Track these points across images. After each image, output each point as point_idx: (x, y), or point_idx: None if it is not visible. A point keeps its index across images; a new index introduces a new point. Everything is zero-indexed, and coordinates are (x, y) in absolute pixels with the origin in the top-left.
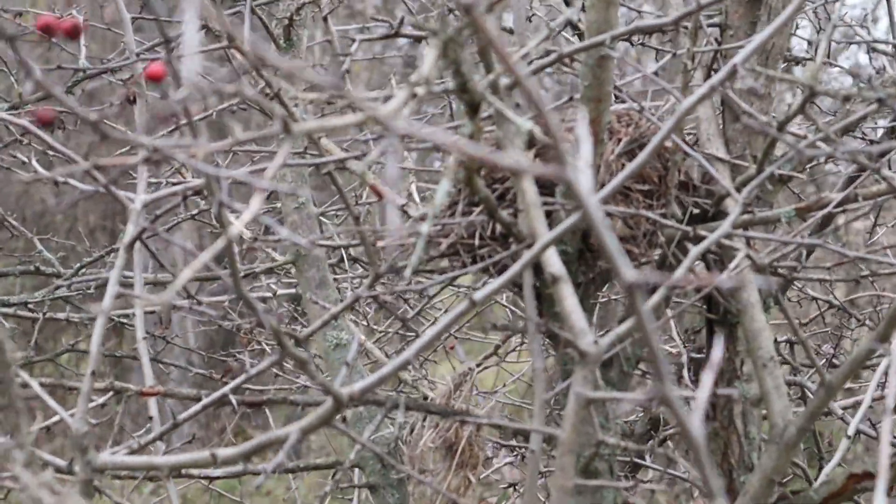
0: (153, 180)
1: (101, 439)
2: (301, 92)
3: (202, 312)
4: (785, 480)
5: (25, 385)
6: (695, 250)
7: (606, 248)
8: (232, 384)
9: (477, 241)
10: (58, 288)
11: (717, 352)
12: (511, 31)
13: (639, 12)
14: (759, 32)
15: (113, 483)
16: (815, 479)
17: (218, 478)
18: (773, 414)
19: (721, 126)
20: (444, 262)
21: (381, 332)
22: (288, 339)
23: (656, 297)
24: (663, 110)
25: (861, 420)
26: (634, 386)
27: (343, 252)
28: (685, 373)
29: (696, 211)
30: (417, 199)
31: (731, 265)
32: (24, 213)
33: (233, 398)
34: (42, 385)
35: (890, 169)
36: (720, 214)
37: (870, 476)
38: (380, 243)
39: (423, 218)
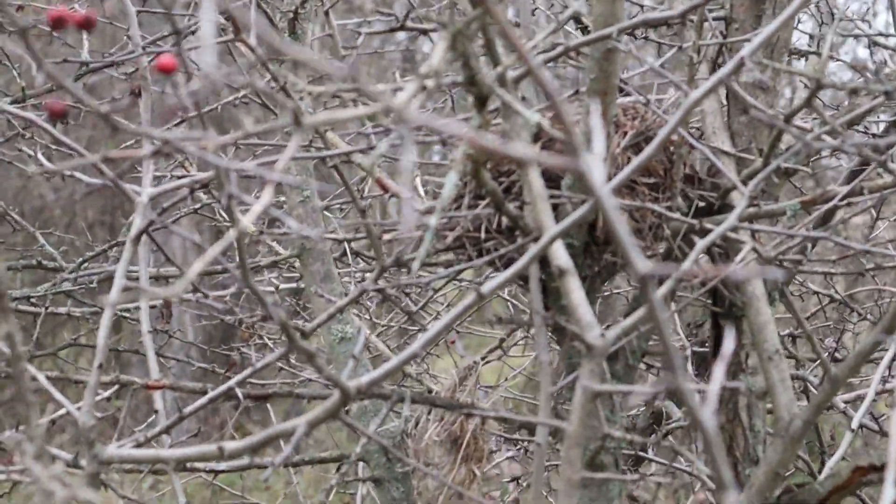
0: (157, 174)
1: (100, 434)
2: (308, 85)
3: (204, 307)
4: (786, 474)
5: (33, 378)
6: (701, 243)
7: (619, 239)
8: (238, 377)
9: (483, 235)
10: (63, 281)
11: (729, 344)
12: (517, 25)
13: (641, 7)
14: (764, 26)
15: (112, 477)
16: (818, 473)
17: (223, 471)
18: (779, 407)
19: (726, 119)
20: (450, 256)
21: (383, 326)
22: (296, 333)
23: (663, 290)
24: (669, 104)
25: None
26: (638, 379)
27: (346, 246)
28: (688, 366)
29: (701, 204)
30: (422, 193)
31: (738, 258)
32: (23, 207)
33: (239, 391)
34: (48, 379)
35: (893, 162)
36: (726, 207)
37: (875, 469)
38: (386, 237)
39: (429, 211)
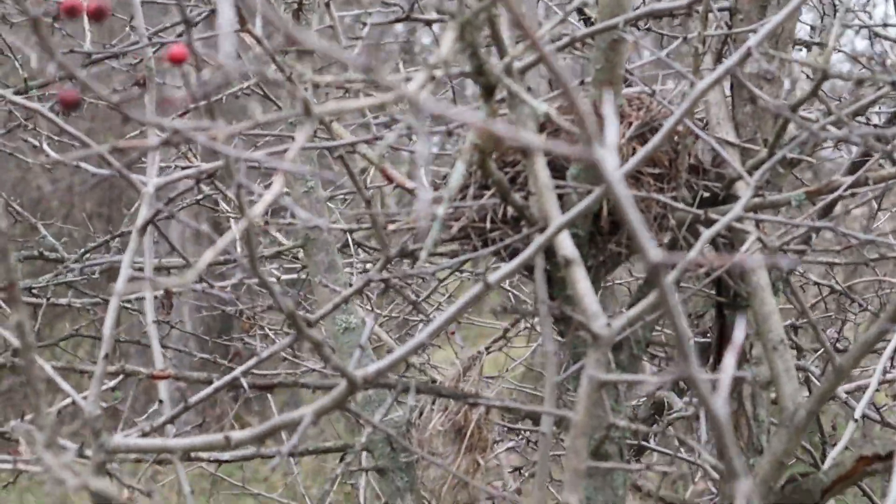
0: (161, 165)
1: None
2: (314, 75)
3: (203, 298)
4: (789, 463)
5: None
6: (707, 232)
7: (632, 228)
8: (243, 367)
9: (488, 225)
10: (70, 271)
11: (740, 333)
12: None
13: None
14: (769, 16)
15: (112, 467)
16: (820, 463)
17: (228, 461)
18: (784, 397)
19: (730, 110)
20: (455, 246)
21: (385, 316)
22: (304, 322)
23: (670, 279)
24: (674, 94)
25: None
26: (641, 369)
27: (349, 236)
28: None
29: (706, 194)
30: (426, 183)
31: (743, 248)
32: (21, 199)
33: (244, 381)
34: (54, 368)
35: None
36: (730, 198)
37: (879, 458)
38: (391, 227)
39: (436, 201)
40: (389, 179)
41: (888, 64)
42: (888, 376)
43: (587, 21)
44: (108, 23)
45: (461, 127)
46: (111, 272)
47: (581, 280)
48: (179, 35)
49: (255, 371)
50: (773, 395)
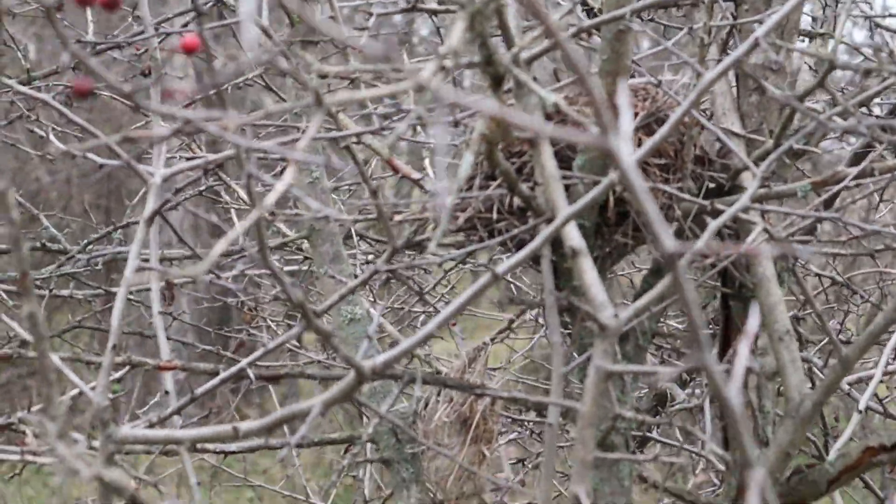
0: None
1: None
2: (319, 65)
3: (203, 289)
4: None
5: None
6: (715, 222)
7: (647, 217)
8: (250, 358)
9: (495, 215)
10: (77, 262)
11: (754, 321)
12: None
13: None
14: (774, 7)
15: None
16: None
17: (234, 452)
18: (789, 388)
19: (736, 101)
20: (461, 237)
21: (387, 307)
22: (313, 313)
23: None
24: (679, 85)
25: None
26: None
27: (351, 228)
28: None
29: (711, 185)
30: (432, 174)
31: (749, 239)
32: (20, 190)
33: (250, 372)
34: (61, 360)
35: None
36: (736, 189)
37: (885, 449)
38: (397, 217)
39: (437, 192)
40: (395, 170)
41: None
42: (890, 368)
43: (590, 12)
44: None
45: (469, 117)
46: (112, 263)
47: (588, 270)
48: (185, 25)
49: (258, 363)
50: (779, 387)
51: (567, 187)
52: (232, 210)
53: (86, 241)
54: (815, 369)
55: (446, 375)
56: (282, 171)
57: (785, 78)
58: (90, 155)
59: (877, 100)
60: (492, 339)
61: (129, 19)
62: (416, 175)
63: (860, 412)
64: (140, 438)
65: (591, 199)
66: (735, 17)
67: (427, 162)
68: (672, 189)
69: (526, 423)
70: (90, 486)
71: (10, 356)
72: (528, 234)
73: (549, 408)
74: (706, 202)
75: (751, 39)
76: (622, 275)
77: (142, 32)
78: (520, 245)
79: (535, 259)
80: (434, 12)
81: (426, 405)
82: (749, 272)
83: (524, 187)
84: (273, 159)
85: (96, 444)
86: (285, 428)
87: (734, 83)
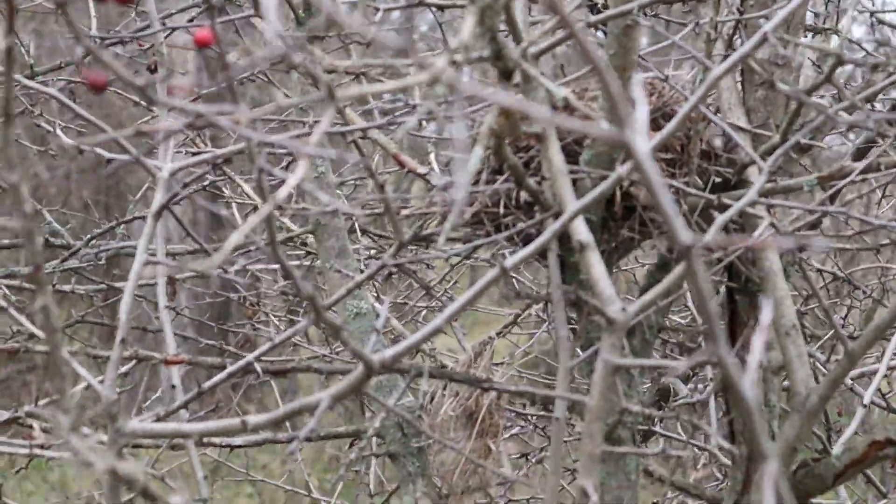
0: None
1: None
2: (329, 59)
3: (203, 284)
4: None
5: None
6: (723, 216)
7: (663, 209)
8: (256, 352)
9: (501, 210)
10: (83, 256)
11: (767, 315)
12: (535, 0)
13: None
14: (780, 2)
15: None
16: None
17: (239, 446)
18: (796, 382)
19: (741, 95)
20: (464, 231)
21: (392, 301)
22: (323, 307)
23: (683, 266)
24: (686, 79)
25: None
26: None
27: (355, 222)
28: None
29: (717, 180)
30: (437, 168)
31: (756, 233)
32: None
33: (257, 366)
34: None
35: None
36: (742, 183)
37: (891, 443)
38: (404, 212)
39: (448, 186)
40: (402, 165)
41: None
42: (893, 363)
43: (593, 7)
44: (105, 8)
45: (480, 111)
46: (114, 259)
47: (596, 265)
48: (191, 20)
49: (263, 357)
50: (785, 382)
51: (574, 182)
52: (233, 205)
53: (89, 235)
54: (818, 364)
55: (452, 370)
56: (287, 166)
57: (791, 73)
58: (98, 149)
59: (880, 95)
60: (497, 334)
61: (133, 14)
62: (422, 169)
63: (865, 406)
64: (148, 432)
65: (600, 194)
66: (741, 12)
67: (432, 157)
68: (678, 184)
69: (529, 418)
70: (90, 482)
71: (16, 350)
72: (535, 228)
73: (556, 402)
74: (713, 197)
75: (759, 34)
76: (625, 270)
77: (145, 28)
78: (526, 240)
79: (541, 254)
80: (441, 7)
81: (432, 399)
82: (755, 266)
83: (531, 182)
84: (280, 154)
85: (100, 438)
86: (287, 424)
87: (740, 78)
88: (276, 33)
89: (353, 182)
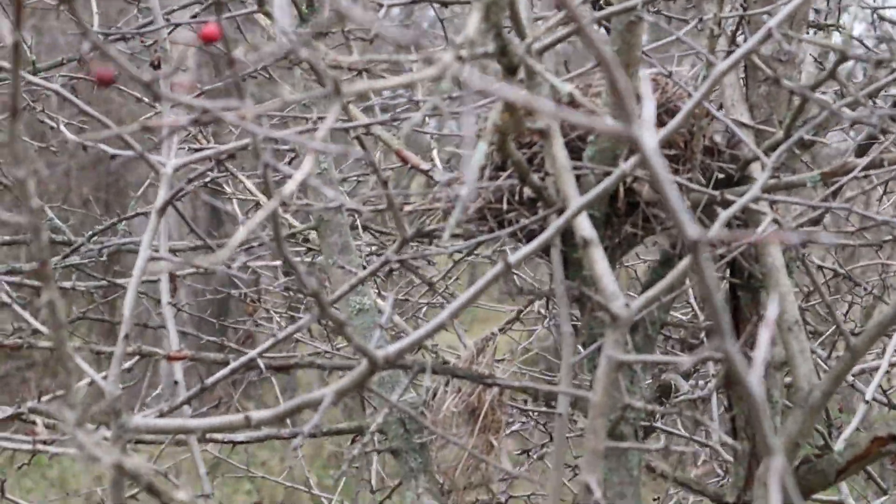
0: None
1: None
2: (333, 55)
3: (202, 280)
4: None
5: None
6: (726, 212)
7: (671, 205)
8: (260, 348)
9: (505, 206)
10: (87, 251)
11: (773, 310)
12: None
13: None
14: None
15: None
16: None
17: (242, 442)
18: (799, 377)
19: (745, 92)
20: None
21: (398, 298)
22: (328, 302)
23: (687, 261)
24: (689, 75)
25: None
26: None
27: (357, 219)
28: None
29: (720, 176)
30: (440, 165)
31: (759, 229)
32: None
33: (260, 362)
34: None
35: None
36: (745, 179)
37: (894, 439)
38: (407, 208)
39: (451, 182)
40: (405, 161)
41: None
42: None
43: (595, 4)
44: (105, 5)
45: (485, 106)
46: (114, 255)
47: (599, 260)
48: (194, 16)
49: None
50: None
51: (577, 178)
52: (234, 201)
53: (91, 232)
54: (819, 361)
55: (455, 366)
56: (290, 163)
57: (794, 69)
58: (101, 145)
59: (882, 91)
60: (500, 330)
61: (135, 11)
62: (425, 166)
63: (867, 402)
64: (153, 428)
65: (604, 189)
66: (745, 8)
67: (435, 153)
68: (682, 180)
69: (530, 414)
70: (88, 479)
71: (19, 346)
72: (538, 225)
73: (559, 397)
74: (716, 193)
75: (764, 30)
76: (626, 266)
77: (148, 24)
78: (529, 236)
79: (544, 250)
80: (444, 3)
81: (434, 396)
82: (758, 263)
83: (535, 178)
84: (282, 150)
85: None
86: (287, 421)
87: (742, 74)
88: (284, 30)
89: (355, 178)
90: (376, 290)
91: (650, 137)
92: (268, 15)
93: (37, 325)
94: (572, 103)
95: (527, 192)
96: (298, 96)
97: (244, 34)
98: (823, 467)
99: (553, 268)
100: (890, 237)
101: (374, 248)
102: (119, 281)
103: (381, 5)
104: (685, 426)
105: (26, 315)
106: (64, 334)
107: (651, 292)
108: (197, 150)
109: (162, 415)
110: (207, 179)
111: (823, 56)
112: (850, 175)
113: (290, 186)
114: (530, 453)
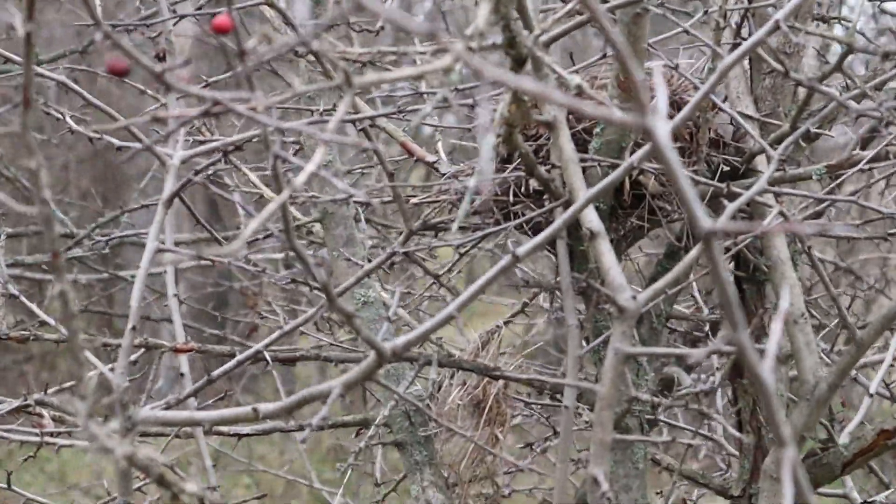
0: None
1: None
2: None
3: (202, 273)
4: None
5: (60, 342)
6: (733, 204)
7: (684, 196)
8: (266, 340)
9: (511, 199)
10: (94, 244)
11: (785, 302)
12: None
13: None
14: None
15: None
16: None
17: (248, 434)
18: (804, 370)
19: (749, 84)
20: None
21: (400, 291)
22: (335, 294)
23: (694, 254)
24: (695, 68)
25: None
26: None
27: (359, 211)
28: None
29: (725, 168)
30: (444, 157)
31: (766, 221)
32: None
33: (267, 354)
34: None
35: None
36: (750, 172)
37: None
38: (413, 200)
39: (457, 175)
40: (410, 153)
41: None
42: None
43: None
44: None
45: (489, 99)
46: (115, 248)
47: (606, 253)
48: (199, 8)
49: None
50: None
51: (583, 170)
52: (235, 194)
53: (94, 224)
54: (821, 354)
55: (460, 358)
56: (295, 155)
57: (798, 61)
58: (108, 137)
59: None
60: (505, 323)
61: (137, 2)
62: (430, 158)
63: (871, 396)
64: (161, 420)
65: (611, 182)
66: (750, 1)
67: (439, 145)
68: (688, 172)
69: (533, 407)
70: (87, 472)
71: (26, 338)
72: (544, 217)
73: (566, 390)
74: (722, 185)
75: (771, 22)
76: (629, 258)
77: (152, 15)
78: (535, 228)
79: (549, 242)
80: None
81: (439, 388)
82: (763, 255)
83: (542, 170)
84: (286, 143)
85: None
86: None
87: (747, 66)
88: (301, 21)
89: (359, 171)
90: (378, 282)
91: (664, 128)
92: (272, 6)
93: (44, 316)
94: (580, 95)
95: (533, 184)
96: (310, 87)
97: (245, 26)
98: (829, 460)
99: (559, 260)
100: (895, 230)
101: (375, 240)
102: (121, 273)
103: None
104: (687, 419)
105: (34, 307)
106: (76, 325)
107: (658, 284)
108: (202, 143)
109: (169, 407)
110: (210, 173)
111: (825, 48)
112: (856, 168)
113: (301, 177)
114: (533, 447)
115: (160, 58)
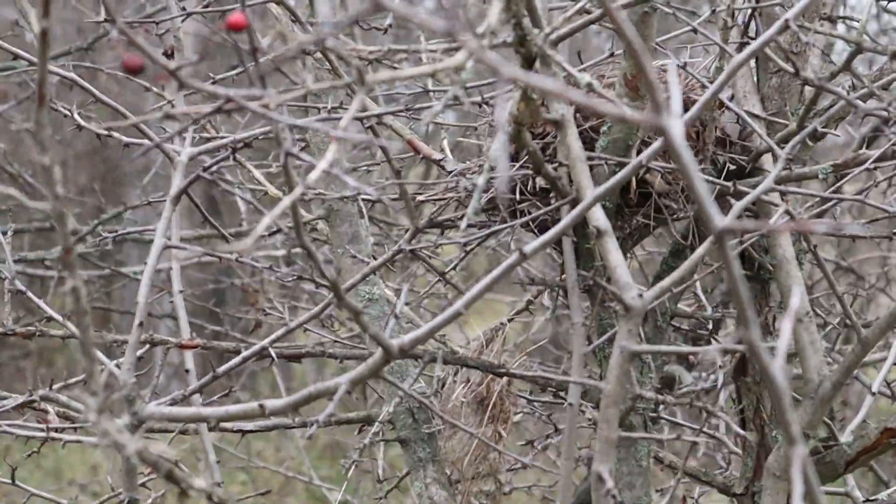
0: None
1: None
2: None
3: (202, 269)
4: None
5: (66, 337)
6: (740, 203)
7: (699, 195)
8: (272, 337)
9: (518, 196)
10: (101, 240)
11: (796, 300)
12: None
13: None
14: None
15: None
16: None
17: (252, 431)
18: (809, 369)
19: (756, 83)
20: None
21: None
22: (343, 291)
23: (700, 251)
24: (703, 66)
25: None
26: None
27: (363, 208)
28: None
29: (731, 167)
30: (450, 155)
31: (772, 220)
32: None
33: (272, 351)
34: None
35: None
36: (756, 171)
37: None
38: (420, 198)
39: (463, 172)
40: (416, 151)
41: None
42: None
43: None
44: None
45: (496, 98)
46: (116, 244)
47: (613, 251)
48: (206, 6)
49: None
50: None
51: (590, 168)
52: (241, 190)
53: (97, 220)
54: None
55: (464, 356)
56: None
57: (805, 61)
58: (116, 133)
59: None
60: (509, 319)
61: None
62: (437, 156)
63: (873, 394)
64: (167, 416)
65: (620, 180)
66: (758, 0)
67: (445, 142)
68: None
69: (534, 404)
70: (84, 469)
71: (31, 334)
72: (550, 215)
73: (570, 387)
74: (728, 184)
75: (781, 21)
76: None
77: (158, 12)
78: (541, 227)
79: (557, 241)
80: None
81: (443, 385)
82: (768, 254)
83: (549, 168)
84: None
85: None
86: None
87: (754, 66)
88: (327, 17)
89: (364, 168)
90: (382, 281)
91: (678, 127)
92: (281, 3)
93: (51, 312)
94: (589, 93)
95: (539, 182)
96: (323, 85)
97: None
98: (833, 458)
99: (565, 258)
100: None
101: (377, 238)
102: (123, 270)
103: None
104: (688, 417)
105: (41, 303)
106: (88, 321)
107: (665, 282)
108: (208, 140)
109: (175, 403)
110: (213, 170)
111: (828, 48)
112: (863, 167)
113: (314, 174)
114: (534, 444)
115: (169, 55)
